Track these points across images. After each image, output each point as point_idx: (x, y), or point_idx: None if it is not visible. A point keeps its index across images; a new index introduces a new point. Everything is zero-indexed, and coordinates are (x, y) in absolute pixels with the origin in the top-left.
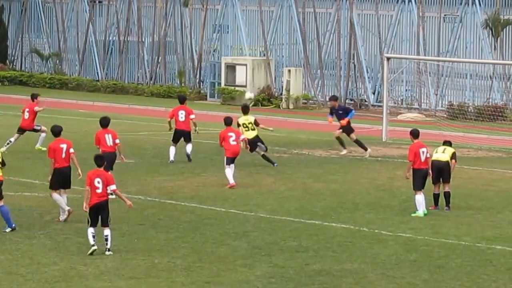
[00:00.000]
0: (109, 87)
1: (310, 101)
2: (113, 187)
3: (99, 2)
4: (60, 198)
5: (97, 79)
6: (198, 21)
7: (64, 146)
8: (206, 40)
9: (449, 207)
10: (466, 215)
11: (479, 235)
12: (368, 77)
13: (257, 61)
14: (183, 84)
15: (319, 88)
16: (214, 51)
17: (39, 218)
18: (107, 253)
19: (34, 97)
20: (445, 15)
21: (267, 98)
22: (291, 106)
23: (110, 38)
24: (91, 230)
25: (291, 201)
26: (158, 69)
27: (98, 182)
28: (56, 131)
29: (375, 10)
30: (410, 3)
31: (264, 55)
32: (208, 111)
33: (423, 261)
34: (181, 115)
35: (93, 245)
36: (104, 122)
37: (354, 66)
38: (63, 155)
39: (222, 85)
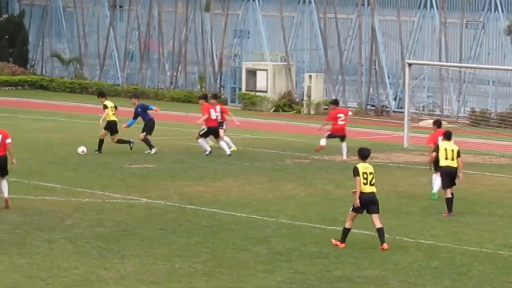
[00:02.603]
0: (130, 92)
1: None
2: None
3: (120, 7)
4: None
5: (117, 83)
6: (219, 26)
7: None
8: (227, 45)
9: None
10: (488, 222)
11: (501, 243)
12: (390, 83)
13: (278, 67)
14: (203, 89)
15: (340, 94)
16: (234, 56)
17: (60, 222)
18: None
19: None
20: (467, 21)
21: (288, 104)
22: (312, 112)
23: (131, 43)
24: None
25: (312, 207)
26: (178, 74)
27: None
28: None
29: (396, 16)
30: (432, 9)
31: (285, 60)
32: (228, 117)
33: (445, 269)
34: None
35: None
36: None
37: (376, 72)
38: None
39: (243, 90)
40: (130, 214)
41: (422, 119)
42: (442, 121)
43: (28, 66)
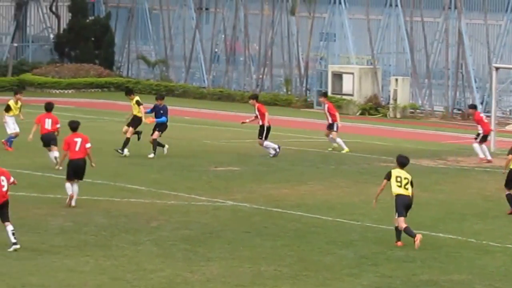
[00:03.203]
0: (215, 95)
1: (417, 111)
2: (12, 179)
3: (206, 9)
4: (70, 186)
5: (203, 86)
6: (305, 29)
7: (78, 140)
8: (313, 48)
9: None
10: None
11: None
12: (476, 87)
13: (364, 70)
14: (289, 92)
15: (426, 97)
16: (320, 59)
17: (145, 224)
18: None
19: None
20: None
21: (374, 107)
22: (398, 115)
23: (216, 46)
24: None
25: None
26: (264, 76)
27: (3, 181)
28: (74, 126)
29: (483, 20)
30: None
31: (371, 63)
32: (314, 119)
33: None
34: None
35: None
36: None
37: (462, 76)
38: (77, 148)
39: (329, 93)
40: (216, 216)
41: (509, 123)
42: None
43: (114, 68)
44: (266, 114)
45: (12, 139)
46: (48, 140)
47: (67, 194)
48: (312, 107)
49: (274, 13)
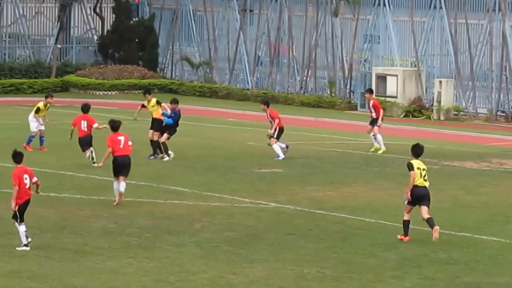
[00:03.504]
0: (259, 96)
1: (461, 113)
2: (35, 179)
3: (250, 11)
4: (117, 184)
5: (247, 88)
6: (349, 31)
7: (122, 138)
8: (357, 50)
9: None
10: None
11: None
12: None
13: (408, 72)
14: (333, 94)
15: (470, 99)
16: (364, 61)
17: (189, 226)
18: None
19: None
20: None
21: (418, 109)
22: (442, 118)
23: (260, 48)
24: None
25: (441, 213)
26: (308, 78)
27: (26, 179)
28: (115, 126)
29: None
30: None
31: (415, 66)
32: (358, 121)
33: None
34: None
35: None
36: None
37: (506, 78)
38: (121, 146)
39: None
40: (259, 218)
41: None
42: None
43: (158, 69)
44: (277, 120)
45: (32, 138)
46: (84, 143)
47: (114, 194)
48: (356, 109)
49: (318, 14)
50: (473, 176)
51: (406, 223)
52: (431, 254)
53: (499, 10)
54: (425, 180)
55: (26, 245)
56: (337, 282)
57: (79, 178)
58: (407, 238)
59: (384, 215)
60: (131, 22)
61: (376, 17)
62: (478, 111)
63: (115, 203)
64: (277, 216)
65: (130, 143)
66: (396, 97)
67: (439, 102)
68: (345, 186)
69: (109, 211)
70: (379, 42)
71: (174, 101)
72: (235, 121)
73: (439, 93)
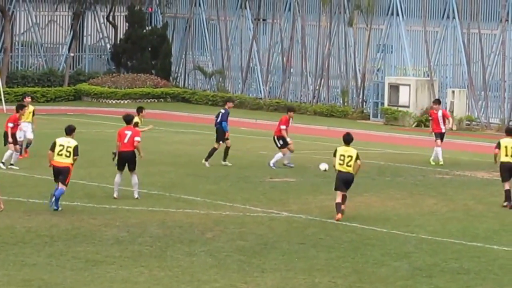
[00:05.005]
0: (272, 106)
1: (474, 123)
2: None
3: (263, 20)
4: (119, 178)
5: (260, 97)
6: (362, 41)
7: (129, 132)
8: (370, 60)
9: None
10: None
11: None
12: None
13: (421, 82)
14: (346, 104)
15: (482, 110)
16: (377, 70)
17: (200, 235)
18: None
19: None
20: None
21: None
22: (454, 128)
23: (274, 57)
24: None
25: (453, 223)
26: (321, 88)
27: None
28: (127, 119)
29: None
30: None
31: (428, 75)
32: (370, 131)
33: None
34: None
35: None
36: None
37: None
38: (126, 140)
39: (385, 105)
40: (271, 227)
41: None
42: None
43: (171, 78)
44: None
45: (20, 146)
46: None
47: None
48: (368, 119)
49: (332, 24)
50: (485, 186)
51: (337, 205)
52: (443, 263)
53: None
54: (348, 166)
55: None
56: None
57: (91, 186)
58: (339, 215)
59: (396, 224)
60: (144, 31)
61: (389, 26)
62: (491, 121)
63: (114, 196)
64: (289, 225)
65: (137, 138)
66: (408, 106)
67: (452, 112)
68: (357, 196)
69: (121, 220)
70: (392, 52)
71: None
72: (248, 130)
73: (452, 103)
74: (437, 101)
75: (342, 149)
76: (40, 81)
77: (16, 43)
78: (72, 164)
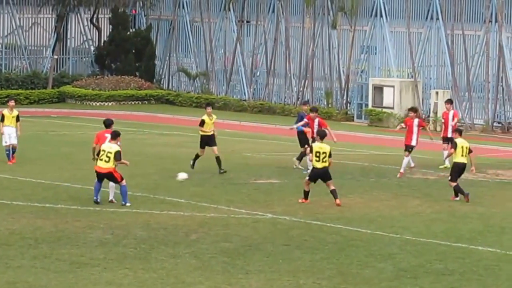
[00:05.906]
0: (256, 107)
1: (458, 124)
2: None
3: (247, 22)
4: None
5: (244, 99)
6: (346, 42)
7: (108, 136)
8: (354, 61)
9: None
10: None
11: None
12: None
13: (405, 83)
14: (330, 105)
15: (466, 110)
16: (361, 72)
17: (185, 237)
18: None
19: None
20: None
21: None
22: (438, 129)
23: (258, 58)
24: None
25: (437, 224)
26: (305, 89)
27: None
28: (107, 123)
29: None
30: None
31: (412, 76)
32: (355, 132)
33: None
34: None
35: None
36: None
37: (503, 89)
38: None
39: (370, 106)
40: (255, 229)
41: None
42: None
43: (155, 80)
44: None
45: (7, 152)
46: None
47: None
48: (352, 120)
49: (316, 25)
50: (469, 187)
51: (306, 193)
52: (427, 265)
53: (496, 21)
54: (324, 162)
55: None
56: None
57: (75, 189)
58: (307, 200)
59: (380, 226)
60: (128, 33)
61: (373, 28)
62: (475, 122)
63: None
64: (273, 227)
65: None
66: (392, 108)
67: (436, 113)
68: (341, 197)
69: (105, 222)
70: (376, 53)
71: (306, 103)
72: (232, 132)
73: (436, 104)
74: (449, 101)
75: (317, 146)
76: (24, 84)
77: (0, 46)
78: (115, 169)
